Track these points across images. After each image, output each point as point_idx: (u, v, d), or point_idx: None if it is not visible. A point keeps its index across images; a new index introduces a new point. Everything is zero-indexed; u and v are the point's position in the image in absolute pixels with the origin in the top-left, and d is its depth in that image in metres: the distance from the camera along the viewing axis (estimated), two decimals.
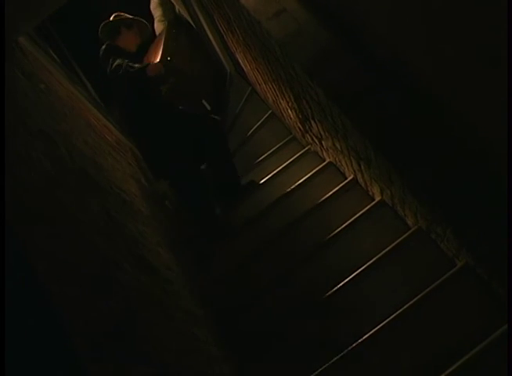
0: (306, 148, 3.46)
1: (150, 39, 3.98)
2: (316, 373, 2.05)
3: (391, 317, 2.05)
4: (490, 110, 1.47)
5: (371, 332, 2.06)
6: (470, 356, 1.80)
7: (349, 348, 2.05)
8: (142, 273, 1.66)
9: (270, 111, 4.07)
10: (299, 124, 3.17)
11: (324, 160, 3.23)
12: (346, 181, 2.87)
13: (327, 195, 2.87)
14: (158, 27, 4.67)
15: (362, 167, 2.38)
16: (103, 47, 3.50)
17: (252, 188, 3.51)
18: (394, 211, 2.47)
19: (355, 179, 2.81)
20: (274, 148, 3.80)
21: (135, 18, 3.76)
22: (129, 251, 1.68)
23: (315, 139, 3.07)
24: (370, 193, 2.72)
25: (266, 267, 2.73)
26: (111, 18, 3.72)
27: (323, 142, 2.91)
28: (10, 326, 0.78)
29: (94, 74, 4.08)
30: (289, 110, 3.16)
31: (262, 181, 3.52)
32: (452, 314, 1.99)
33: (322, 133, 2.70)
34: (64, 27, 4.57)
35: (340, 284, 2.31)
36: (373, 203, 2.59)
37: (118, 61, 3.30)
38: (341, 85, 1.87)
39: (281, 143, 3.79)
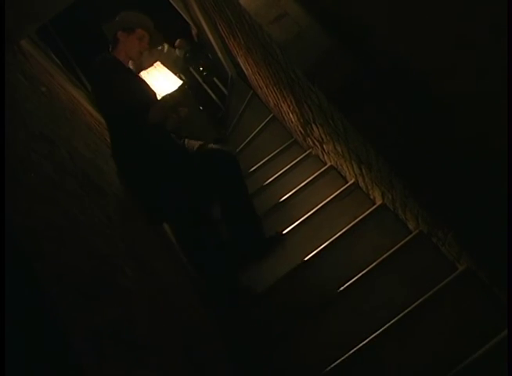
0: (307, 152, 3.46)
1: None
2: None
3: (392, 321, 2.05)
4: (494, 115, 1.48)
5: (372, 336, 2.05)
6: (472, 360, 1.79)
7: (350, 351, 2.05)
8: (143, 276, 1.66)
9: (271, 115, 4.08)
10: (300, 127, 3.17)
11: (325, 164, 3.23)
12: (347, 185, 2.87)
13: (328, 199, 2.87)
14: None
15: (363, 170, 2.38)
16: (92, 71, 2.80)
17: (277, 243, 2.81)
18: (396, 214, 2.47)
19: (356, 183, 2.80)
20: (275, 151, 3.80)
21: (138, 17, 2.91)
22: (130, 254, 1.68)
23: (316, 142, 3.07)
24: (371, 197, 2.72)
25: (265, 269, 2.73)
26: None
27: (324, 146, 2.91)
28: (10, 329, 0.77)
29: None
30: (290, 114, 3.16)
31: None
32: (453, 318, 1.98)
33: (323, 137, 2.70)
34: (66, 30, 4.59)
35: (341, 288, 2.30)
36: (374, 207, 2.59)
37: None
38: (342, 89, 1.87)
39: (282, 147, 3.79)
